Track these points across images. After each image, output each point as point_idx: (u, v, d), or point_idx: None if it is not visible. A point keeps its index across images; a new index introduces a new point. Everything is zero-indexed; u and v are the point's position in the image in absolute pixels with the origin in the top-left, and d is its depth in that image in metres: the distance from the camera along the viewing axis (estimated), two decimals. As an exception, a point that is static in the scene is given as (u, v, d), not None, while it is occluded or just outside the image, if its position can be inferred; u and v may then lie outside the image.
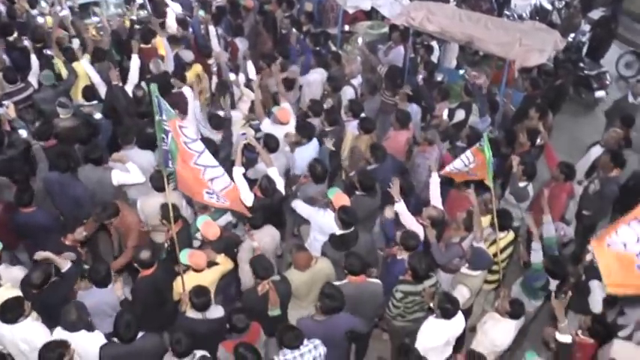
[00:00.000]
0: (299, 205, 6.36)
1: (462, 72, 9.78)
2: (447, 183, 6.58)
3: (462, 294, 5.72)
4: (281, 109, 7.52)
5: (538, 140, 7.45)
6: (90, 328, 4.92)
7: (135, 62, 8.44)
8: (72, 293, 5.37)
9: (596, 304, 5.67)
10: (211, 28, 9.49)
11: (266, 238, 6.01)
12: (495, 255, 5.92)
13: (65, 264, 5.46)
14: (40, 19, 9.83)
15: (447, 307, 5.03)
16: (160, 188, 6.03)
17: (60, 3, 10.24)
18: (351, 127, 7.67)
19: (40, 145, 6.97)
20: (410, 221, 6.04)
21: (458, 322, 5.17)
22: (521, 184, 6.79)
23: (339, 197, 6.04)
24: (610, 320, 5.84)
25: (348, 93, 8.43)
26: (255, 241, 5.84)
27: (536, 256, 5.68)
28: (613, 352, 5.00)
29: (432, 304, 5.19)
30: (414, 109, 8.19)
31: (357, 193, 6.47)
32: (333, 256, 5.70)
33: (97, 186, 6.65)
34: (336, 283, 5.36)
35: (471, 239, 5.93)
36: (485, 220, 6.09)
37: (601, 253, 4.52)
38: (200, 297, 5.03)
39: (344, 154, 7.69)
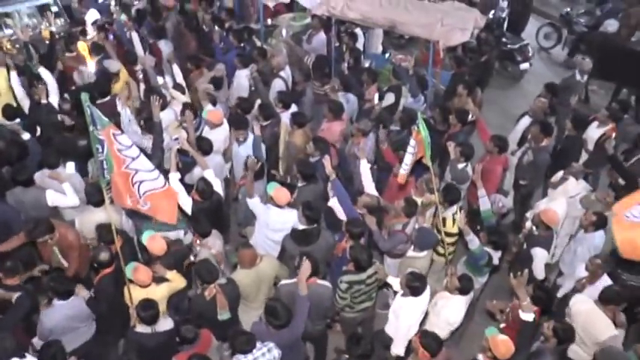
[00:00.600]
0: (250, 202, 6.21)
1: (387, 56, 9.80)
2: (385, 169, 6.57)
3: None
4: (211, 110, 7.37)
5: (470, 117, 7.54)
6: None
7: (49, 74, 8.09)
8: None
9: (539, 271, 5.81)
10: (134, 33, 9.19)
11: (217, 241, 5.89)
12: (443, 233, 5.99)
13: (13, 295, 5.25)
14: None
15: (416, 285, 5.10)
16: (97, 203, 5.92)
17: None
18: (284, 118, 7.60)
19: None
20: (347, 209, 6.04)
21: (425, 298, 5.26)
22: (460, 166, 6.87)
23: (279, 192, 5.95)
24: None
25: (277, 85, 8.33)
26: (211, 248, 5.72)
27: (473, 244, 5.68)
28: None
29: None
30: (351, 99, 8.14)
31: (299, 184, 6.43)
32: (292, 251, 5.62)
33: (30, 208, 6.33)
34: (286, 281, 5.32)
35: (413, 224, 5.94)
36: (432, 198, 6.12)
37: (619, 225, 5.21)
38: (147, 310, 4.88)
39: (280, 148, 7.60)
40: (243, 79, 8.51)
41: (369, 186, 6.44)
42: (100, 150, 4.99)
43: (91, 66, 8.84)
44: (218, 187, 6.43)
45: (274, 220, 6.06)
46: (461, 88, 8.07)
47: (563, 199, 6.52)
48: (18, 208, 6.29)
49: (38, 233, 5.74)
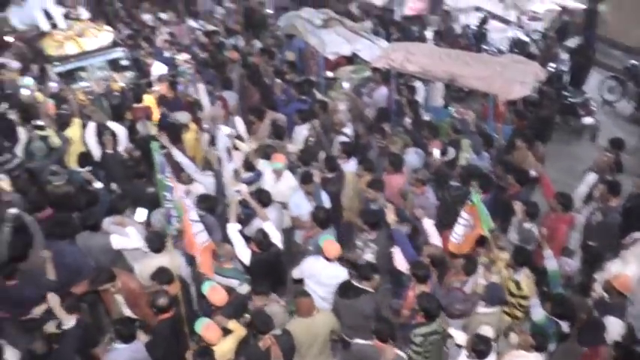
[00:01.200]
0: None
1: (451, 110, 9.67)
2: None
3: (486, 334, 5.49)
4: (277, 155, 7.48)
5: (532, 173, 7.37)
6: None
7: (119, 125, 8.43)
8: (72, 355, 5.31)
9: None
10: (200, 85, 9.48)
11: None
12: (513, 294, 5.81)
13: (69, 320, 5.38)
14: (25, 91, 9.80)
15: (482, 349, 4.93)
16: (157, 249, 6.05)
17: (49, 76, 10.22)
18: (349, 167, 7.62)
19: (32, 218, 6.85)
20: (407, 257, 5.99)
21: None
22: (527, 226, 6.65)
23: (330, 244, 5.93)
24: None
25: (338, 139, 8.37)
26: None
27: (537, 312, 5.46)
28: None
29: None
30: (420, 154, 8.07)
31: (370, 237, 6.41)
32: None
33: (96, 252, 6.51)
34: (361, 342, 5.33)
35: (472, 283, 5.79)
36: (501, 256, 5.99)
37: None
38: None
39: (346, 198, 7.59)
40: (302, 134, 8.62)
41: (434, 236, 6.34)
42: (168, 197, 5.11)
43: (156, 117, 9.15)
44: (277, 239, 6.44)
45: (322, 273, 6.01)
46: (520, 142, 7.92)
47: (637, 263, 6.21)
48: (86, 252, 6.46)
49: (100, 282, 5.85)
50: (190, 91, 9.89)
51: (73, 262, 6.35)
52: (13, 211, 6.78)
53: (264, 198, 6.76)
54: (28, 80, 10.07)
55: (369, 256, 6.30)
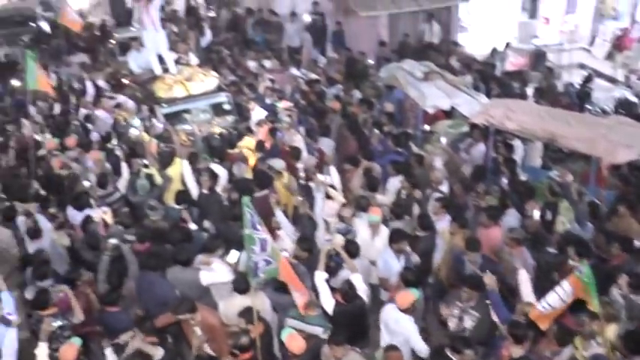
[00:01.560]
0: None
1: (551, 173, 9.37)
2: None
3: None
4: (373, 208, 7.58)
5: (637, 243, 7.03)
6: None
7: (223, 168, 8.85)
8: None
9: None
10: (298, 133, 9.88)
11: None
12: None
13: (157, 351, 5.65)
14: (134, 131, 10.56)
15: None
16: (242, 290, 6.24)
17: (157, 117, 10.98)
18: (442, 224, 7.59)
19: (129, 249, 7.33)
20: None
21: None
22: (634, 298, 6.27)
23: (405, 296, 6.02)
24: None
25: (434, 197, 8.35)
26: None
27: None
28: None
29: None
30: (514, 213, 7.90)
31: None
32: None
33: (185, 287, 6.79)
34: None
35: (567, 355, 5.61)
36: (610, 329, 5.71)
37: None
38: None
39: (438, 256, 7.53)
40: (395, 186, 8.69)
41: (528, 295, 6.20)
42: (257, 251, 5.34)
43: (252, 161, 9.53)
44: (363, 292, 6.46)
45: (392, 321, 6.05)
46: (623, 209, 7.59)
47: None
48: (175, 285, 6.76)
49: (181, 311, 6.07)
50: (289, 138, 10.19)
51: (161, 294, 6.68)
52: (113, 241, 7.30)
53: (353, 249, 6.82)
54: (136, 121, 10.89)
55: (468, 324, 6.16)
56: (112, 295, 6.50)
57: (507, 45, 15.37)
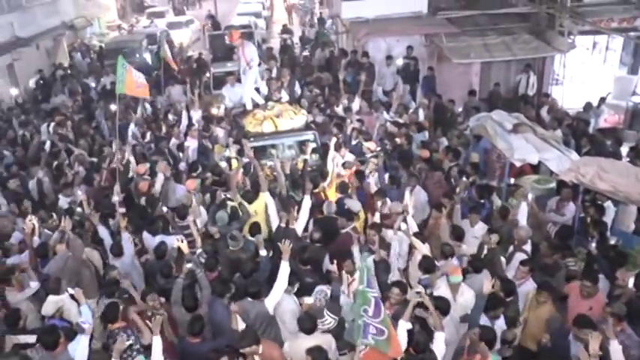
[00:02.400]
0: None
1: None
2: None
3: None
4: (454, 269, 7.43)
5: None
6: None
7: (307, 202, 9.03)
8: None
9: None
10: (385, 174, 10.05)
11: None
12: None
13: None
14: (222, 164, 11.01)
15: None
16: (308, 330, 6.36)
17: (244, 150, 11.41)
18: (526, 288, 7.39)
19: (203, 274, 7.63)
20: None
21: None
22: None
23: None
24: None
25: (518, 257, 8.13)
26: None
27: None
28: None
29: None
30: (602, 281, 7.49)
31: None
32: None
33: (254, 319, 6.98)
34: None
35: None
36: None
37: None
38: None
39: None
40: (478, 233, 8.62)
41: None
42: (370, 313, 5.33)
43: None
44: (440, 351, 6.28)
45: None
46: None
47: None
48: (243, 317, 6.91)
49: (244, 343, 6.13)
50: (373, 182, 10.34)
51: (219, 321, 7.00)
52: (188, 266, 7.67)
53: (443, 305, 6.64)
54: (226, 152, 11.37)
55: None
56: (196, 326, 6.66)
57: (603, 100, 14.92)
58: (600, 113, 14.60)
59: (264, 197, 9.46)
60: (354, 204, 9.32)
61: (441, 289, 7.24)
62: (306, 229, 9.07)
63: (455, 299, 7.13)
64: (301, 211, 8.95)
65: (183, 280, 7.54)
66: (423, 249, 8.11)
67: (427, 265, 7.61)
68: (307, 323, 6.42)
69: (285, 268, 7.23)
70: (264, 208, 9.49)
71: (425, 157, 11.18)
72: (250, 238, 8.64)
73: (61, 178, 11.43)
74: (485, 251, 8.27)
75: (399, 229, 8.42)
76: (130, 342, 6.48)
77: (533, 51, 16.18)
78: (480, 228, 8.77)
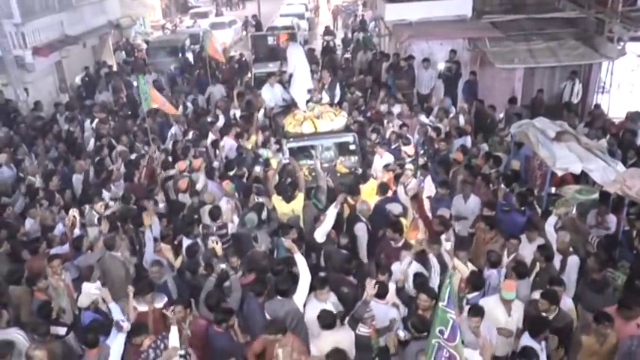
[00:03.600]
0: None
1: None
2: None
3: None
4: (508, 284, 7.03)
5: None
6: None
7: (333, 212, 8.91)
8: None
9: None
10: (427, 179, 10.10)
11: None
12: None
13: None
14: (258, 167, 11.10)
15: None
16: (328, 326, 6.49)
17: (282, 150, 11.46)
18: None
19: (236, 277, 7.74)
20: None
21: None
22: None
23: None
24: None
25: (571, 262, 7.93)
26: None
27: None
28: None
29: None
30: None
31: None
32: None
33: (284, 318, 6.96)
34: None
35: None
36: None
37: None
38: None
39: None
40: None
41: None
42: (445, 336, 5.02)
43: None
44: None
45: None
46: None
47: None
48: (272, 316, 6.95)
49: (272, 329, 6.35)
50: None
51: (253, 319, 7.16)
52: (222, 266, 7.81)
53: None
54: (264, 152, 11.47)
55: None
56: (220, 315, 6.80)
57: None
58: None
59: (302, 197, 9.53)
60: (395, 207, 9.25)
61: (490, 304, 6.88)
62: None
63: (510, 315, 6.88)
64: (326, 219, 8.81)
65: (216, 279, 7.65)
66: (465, 271, 7.73)
67: (475, 282, 7.37)
68: (327, 319, 6.52)
69: (300, 260, 7.30)
70: (301, 207, 9.52)
71: (459, 160, 11.04)
72: (283, 238, 8.55)
73: (102, 173, 11.66)
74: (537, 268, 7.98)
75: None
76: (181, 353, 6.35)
77: (579, 57, 15.84)
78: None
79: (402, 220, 9.07)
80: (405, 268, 7.59)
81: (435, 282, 7.55)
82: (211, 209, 9.43)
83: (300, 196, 9.61)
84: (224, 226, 9.33)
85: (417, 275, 7.49)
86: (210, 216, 9.34)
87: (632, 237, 8.66)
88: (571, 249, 8.08)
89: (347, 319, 6.75)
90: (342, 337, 6.46)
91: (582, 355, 6.58)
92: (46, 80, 19.08)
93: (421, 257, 7.69)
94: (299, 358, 6.37)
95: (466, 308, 6.68)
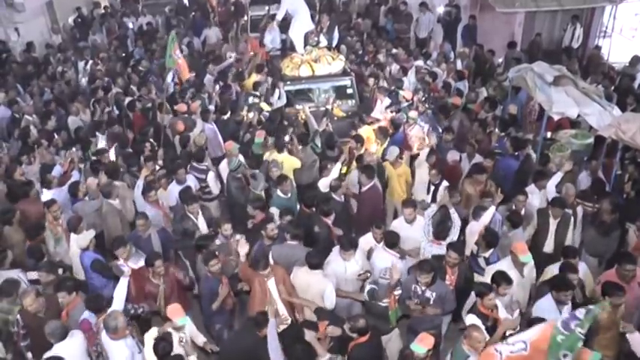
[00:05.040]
0: None
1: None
2: None
3: None
4: (519, 245, 6.95)
5: None
6: None
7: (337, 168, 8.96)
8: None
9: None
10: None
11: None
12: None
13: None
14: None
15: None
16: (314, 265, 6.75)
17: (279, 93, 11.40)
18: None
19: None
20: None
21: None
22: None
23: None
24: None
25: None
26: None
27: None
28: None
29: None
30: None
31: None
32: None
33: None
34: None
35: None
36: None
37: None
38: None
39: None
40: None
41: None
42: None
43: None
44: None
45: None
46: None
47: None
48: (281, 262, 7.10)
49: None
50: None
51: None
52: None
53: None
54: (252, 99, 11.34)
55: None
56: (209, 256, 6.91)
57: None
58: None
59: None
60: (393, 150, 9.27)
61: (504, 267, 6.73)
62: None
63: (523, 275, 6.84)
64: (332, 171, 8.81)
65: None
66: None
67: (490, 239, 7.31)
68: (315, 259, 6.74)
69: None
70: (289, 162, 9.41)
71: (456, 105, 11.01)
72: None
73: (96, 115, 11.61)
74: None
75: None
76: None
77: (582, 1, 15.50)
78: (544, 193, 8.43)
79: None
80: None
81: (454, 236, 7.54)
82: (196, 151, 9.49)
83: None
84: (206, 171, 9.31)
85: (440, 224, 7.46)
86: (195, 157, 9.38)
87: (623, 181, 8.72)
88: (578, 200, 8.03)
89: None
90: (316, 281, 6.67)
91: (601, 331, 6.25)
92: (38, 21, 18.63)
93: (443, 211, 7.57)
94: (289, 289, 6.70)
95: (489, 271, 6.70)
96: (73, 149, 9.84)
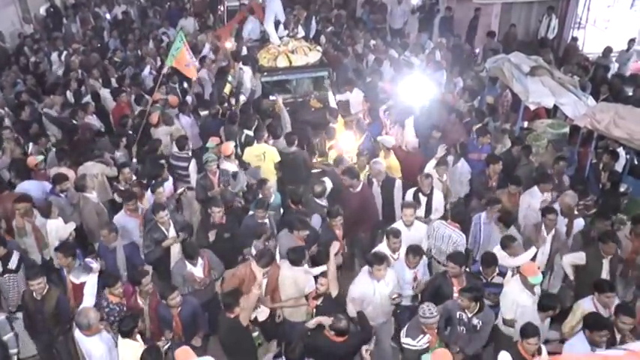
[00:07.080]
0: None
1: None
2: None
3: None
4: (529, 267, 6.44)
5: None
6: None
7: None
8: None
9: None
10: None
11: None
12: None
13: None
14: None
15: None
16: (294, 262, 6.62)
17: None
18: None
19: None
20: None
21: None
22: None
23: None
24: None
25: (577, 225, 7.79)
26: None
27: None
28: None
29: None
30: None
31: None
32: None
33: None
34: None
35: None
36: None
37: None
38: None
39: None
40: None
41: None
42: None
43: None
44: None
45: None
46: None
47: None
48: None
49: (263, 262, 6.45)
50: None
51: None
52: None
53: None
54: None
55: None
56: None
57: (632, 42, 14.28)
58: (630, 57, 14.05)
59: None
60: (388, 139, 9.16)
61: (515, 291, 6.24)
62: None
63: (534, 293, 6.24)
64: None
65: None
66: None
67: (507, 219, 7.25)
68: (295, 255, 6.58)
69: None
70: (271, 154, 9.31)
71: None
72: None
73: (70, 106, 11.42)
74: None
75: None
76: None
77: (557, -8, 15.67)
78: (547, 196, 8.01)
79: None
80: None
81: None
82: (178, 138, 9.39)
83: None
84: (188, 159, 9.22)
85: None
86: (177, 145, 9.29)
87: (599, 171, 8.81)
88: (576, 212, 7.72)
89: None
90: (301, 277, 6.57)
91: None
92: (8, 10, 18.20)
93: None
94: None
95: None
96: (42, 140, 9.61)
